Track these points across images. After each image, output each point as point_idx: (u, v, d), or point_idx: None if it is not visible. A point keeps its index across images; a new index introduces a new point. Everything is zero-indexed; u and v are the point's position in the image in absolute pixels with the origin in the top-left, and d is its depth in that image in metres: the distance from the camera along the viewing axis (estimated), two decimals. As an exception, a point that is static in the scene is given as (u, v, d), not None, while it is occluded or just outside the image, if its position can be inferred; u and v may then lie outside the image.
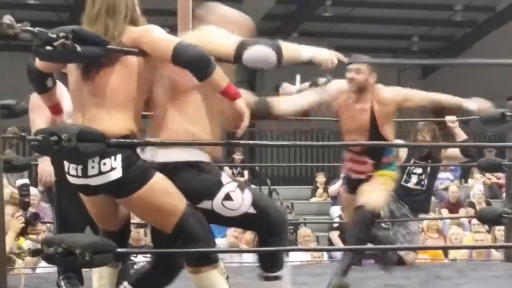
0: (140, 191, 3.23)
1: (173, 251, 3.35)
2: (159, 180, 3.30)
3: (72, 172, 3.25)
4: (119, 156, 3.19)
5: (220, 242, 8.56)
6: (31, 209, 10.20)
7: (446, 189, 12.79)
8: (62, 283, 4.73)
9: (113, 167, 3.17)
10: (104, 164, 3.17)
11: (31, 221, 4.44)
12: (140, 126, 3.36)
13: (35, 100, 4.40)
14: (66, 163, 3.28)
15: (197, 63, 3.19)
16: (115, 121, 3.21)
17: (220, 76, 3.24)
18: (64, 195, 4.59)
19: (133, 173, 3.21)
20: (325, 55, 3.35)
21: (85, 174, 3.20)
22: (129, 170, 3.20)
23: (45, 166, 4.79)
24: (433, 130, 6.59)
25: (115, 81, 3.22)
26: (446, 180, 13.21)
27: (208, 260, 3.36)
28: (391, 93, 4.90)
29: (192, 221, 3.32)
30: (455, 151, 6.50)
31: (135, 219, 7.78)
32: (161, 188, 3.29)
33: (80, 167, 3.20)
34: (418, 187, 6.56)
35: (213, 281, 3.37)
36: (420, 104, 4.87)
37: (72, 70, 3.33)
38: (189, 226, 3.31)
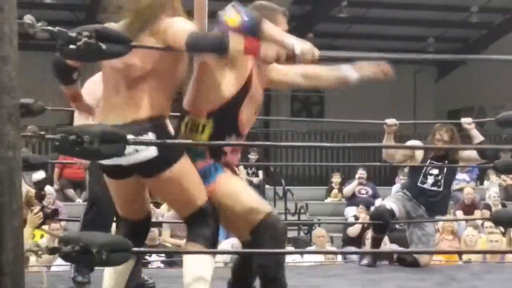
0: (170, 170, 3.35)
1: (196, 252, 3.40)
2: (187, 161, 3.44)
3: None
4: (151, 134, 3.31)
5: (224, 243, 8.55)
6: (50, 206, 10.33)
7: (461, 190, 12.76)
8: (73, 275, 4.85)
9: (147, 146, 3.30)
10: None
11: (51, 217, 4.48)
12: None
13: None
14: None
15: (212, 49, 3.27)
16: (148, 103, 3.34)
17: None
18: (96, 179, 4.65)
19: (165, 152, 3.34)
20: (308, 46, 3.37)
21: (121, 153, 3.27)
22: (161, 148, 3.32)
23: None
24: (451, 130, 6.58)
25: (147, 67, 3.35)
26: (462, 181, 13.18)
27: (211, 245, 3.47)
28: None
29: (210, 209, 3.46)
30: (471, 153, 6.49)
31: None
32: (189, 169, 3.44)
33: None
34: (435, 188, 6.54)
35: (204, 263, 3.44)
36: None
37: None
38: (206, 213, 3.45)
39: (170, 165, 3.35)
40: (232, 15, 3.32)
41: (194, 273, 3.41)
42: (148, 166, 3.34)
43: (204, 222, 3.44)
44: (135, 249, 3.12)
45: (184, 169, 3.41)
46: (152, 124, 3.34)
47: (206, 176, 3.59)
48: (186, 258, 3.49)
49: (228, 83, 3.66)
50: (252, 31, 3.27)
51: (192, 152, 3.55)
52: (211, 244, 3.46)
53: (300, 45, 3.38)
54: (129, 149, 3.21)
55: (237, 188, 3.66)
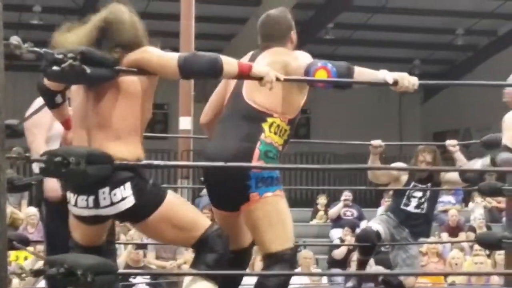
0: (156, 213, 3.25)
1: (182, 273, 3.36)
2: (173, 197, 3.35)
3: (82, 203, 3.24)
4: (128, 185, 3.19)
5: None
6: (31, 229, 10.26)
7: (446, 212, 12.77)
8: None
9: (124, 197, 3.19)
10: (115, 194, 3.18)
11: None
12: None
13: (37, 117, 4.40)
14: (72, 195, 3.28)
15: (207, 69, 3.23)
16: (122, 149, 3.22)
17: (229, 64, 3.28)
18: (54, 214, 4.57)
19: (146, 197, 3.23)
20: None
21: (97, 205, 3.21)
22: (141, 196, 3.21)
23: (51, 182, 4.78)
24: (434, 152, 6.61)
25: (121, 109, 3.24)
26: (447, 203, 13.19)
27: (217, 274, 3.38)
28: None
29: (215, 235, 3.36)
30: (454, 176, 6.49)
31: (135, 239, 7.79)
32: (177, 205, 3.34)
33: (91, 197, 3.20)
34: (418, 211, 6.55)
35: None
36: None
37: (77, 93, 3.34)
38: (211, 238, 3.34)
39: (154, 210, 3.25)
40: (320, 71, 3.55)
41: None
42: (129, 215, 3.25)
43: (208, 248, 3.33)
44: (121, 271, 3.10)
45: (171, 207, 3.30)
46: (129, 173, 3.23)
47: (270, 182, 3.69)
48: (184, 286, 3.39)
49: (303, 94, 3.85)
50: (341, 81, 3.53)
51: (269, 156, 3.65)
52: (213, 269, 3.35)
53: (390, 75, 3.61)
54: (104, 202, 3.18)
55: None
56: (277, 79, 3.40)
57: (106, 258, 3.69)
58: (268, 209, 3.66)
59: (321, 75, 3.55)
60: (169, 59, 3.23)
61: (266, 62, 3.80)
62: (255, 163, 3.66)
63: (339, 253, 10.70)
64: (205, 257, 3.33)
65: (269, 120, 3.74)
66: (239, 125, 3.76)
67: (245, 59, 3.88)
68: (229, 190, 3.73)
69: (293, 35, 4.16)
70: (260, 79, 3.36)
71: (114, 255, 4.33)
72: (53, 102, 3.51)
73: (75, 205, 3.27)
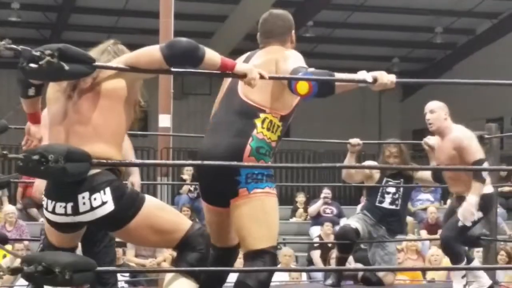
0: (136, 219, 3.22)
1: (162, 270, 3.36)
2: (152, 201, 3.32)
3: (60, 210, 3.20)
4: (108, 189, 3.16)
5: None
6: (9, 227, 10.20)
7: (424, 209, 12.84)
8: None
9: (104, 201, 3.15)
10: (95, 199, 3.14)
11: None
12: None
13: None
14: (49, 202, 3.23)
15: (189, 50, 3.22)
16: (101, 148, 3.19)
17: (211, 53, 3.28)
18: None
19: (125, 203, 3.20)
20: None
21: (76, 212, 3.17)
22: (120, 201, 3.18)
23: (40, 183, 4.71)
24: (399, 146, 6.65)
25: (102, 111, 3.22)
26: (426, 201, 13.25)
27: (196, 274, 3.36)
28: None
29: (197, 234, 3.34)
30: (426, 174, 6.52)
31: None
32: (156, 209, 3.31)
33: (70, 204, 3.16)
34: (393, 207, 6.57)
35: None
36: None
37: (57, 94, 3.32)
38: (193, 238, 3.33)
39: (133, 216, 3.22)
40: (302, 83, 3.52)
41: None
42: (108, 221, 3.21)
43: (190, 247, 3.32)
44: (100, 268, 3.09)
45: (151, 212, 3.27)
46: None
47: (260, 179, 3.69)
48: (165, 283, 3.37)
49: None
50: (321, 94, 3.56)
51: (261, 153, 3.68)
52: (194, 267, 3.33)
53: (369, 74, 3.69)
54: (84, 207, 3.14)
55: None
56: (261, 77, 3.40)
57: (104, 259, 3.71)
58: (255, 206, 3.66)
59: (302, 88, 3.56)
60: (151, 49, 3.25)
61: (260, 61, 3.83)
62: (246, 159, 3.66)
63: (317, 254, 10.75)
64: (187, 256, 3.32)
65: (262, 116, 3.75)
66: (232, 121, 3.78)
67: (240, 60, 3.88)
68: (219, 185, 3.74)
69: (293, 35, 4.15)
70: (244, 76, 3.36)
71: (110, 255, 4.30)
72: (25, 92, 3.45)
73: (53, 212, 3.23)
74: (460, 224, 5.63)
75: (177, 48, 3.21)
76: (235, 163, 3.62)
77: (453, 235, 5.67)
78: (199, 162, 3.62)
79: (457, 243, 5.73)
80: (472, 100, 19.33)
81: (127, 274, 8.56)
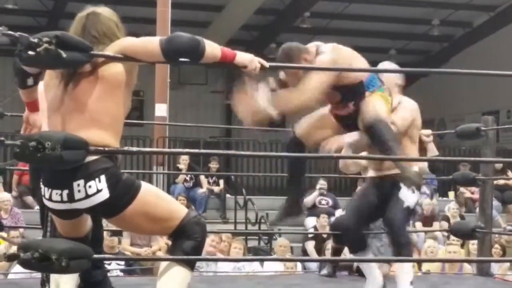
0: (132, 206, 3.21)
1: (150, 258, 3.35)
2: (148, 189, 3.30)
3: (56, 198, 3.20)
4: (103, 177, 3.15)
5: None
6: (4, 214, 10.20)
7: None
8: None
9: (99, 189, 3.14)
10: (90, 187, 3.13)
11: None
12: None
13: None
14: (46, 189, 3.23)
15: (190, 47, 3.19)
16: (99, 135, 3.18)
17: (212, 46, 3.25)
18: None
19: (120, 190, 3.19)
20: (249, 57, 3.35)
21: (71, 199, 3.16)
22: (115, 188, 3.17)
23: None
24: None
25: (100, 98, 3.19)
26: (422, 194, 13.25)
27: (191, 261, 3.35)
28: None
29: (193, 222, 3.32)
30: (422, 164, 6.51)
31: (110, 227, 7.77)
32: (152, 197, 3.30)
33: (65, 192, 3.16)
34: (390, 199, 6.54)
35: (179, 280, 3.32)
36: None
37: (53, 81, 3.31)
38: (189, 226, 3.31)
39: (129, 203, 3.21)
40: None
41: None
42: (103, 208, 3.20)
43: (186, 235, 3.30)
44: (96, 256, 3.09)
45: (147, 199, 3.26)
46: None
47: None
48: (160, 276, 3.35)
49: None
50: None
51: None
52: (189, 255, 3.31)
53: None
54: (79, 194, 3.14)
55: None
56: (262, 67, 3.38)
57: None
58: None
59: None
60: (151, 41, 3.22)
61: None
62: None
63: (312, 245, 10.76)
64: (182, 244, 3.30)
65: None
66: None
67: None
68: None
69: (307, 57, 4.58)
70: (244, 67, 3.34)
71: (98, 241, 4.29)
72: (24, 82, 3.46)
73: (50, 199, 3.24)
74: (405, 205, 5.22)
75: (177, 44, 3.19)
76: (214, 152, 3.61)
77: (402, 218, 5.22)
78: (195, 150, 3.61)
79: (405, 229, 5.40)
80: (468, 93, 19.36)
81: (122, 263, 8.56)
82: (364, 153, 6.74)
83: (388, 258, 6.37)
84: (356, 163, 6.57)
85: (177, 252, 3.31)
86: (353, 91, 4.80)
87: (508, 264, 9.64)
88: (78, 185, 3.13)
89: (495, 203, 11.98)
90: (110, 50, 3.23)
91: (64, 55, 2.95)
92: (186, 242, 3.30)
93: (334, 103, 4.86)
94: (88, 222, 3.53)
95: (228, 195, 13.66)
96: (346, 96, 4.79)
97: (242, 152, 3.55)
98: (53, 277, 3.61)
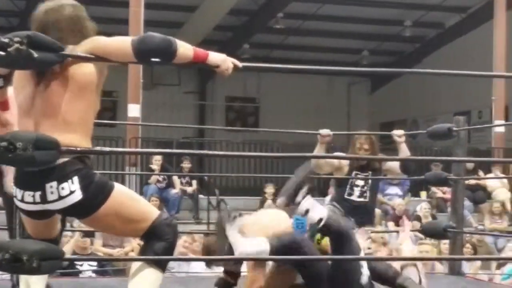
0: (104, 207, 3.20)
1: (122, 259, 3.34)
2: (120, 190, 3.29)
3: (28, 199, 3.18)
4: (75, 178, 3.13)
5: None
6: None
7: (391, 201, 12.93)
8: None
9: (72, 190, 3.13)
10: (63, 188, 3.12)
11: None
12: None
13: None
14: (18, 191, 3.22)
15: (162, 47, 3.16)
16: (70, 137, 3.15)
17: (184, 46, 3.22)
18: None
19: (93, 191, 3.17)
20: (221, 57, 3.34)
21: (44, 200, 3.14)
22: (88, 190, 3.16)
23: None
24: (370, 138, 6.64)
25: (71, 99, 3.17)
26: (394, 196, 13.31)
27: (162, 263, 3.34)
28: None
29: (164, 224, 3.31)
30: (394, 165, 6.55)
31: (82, 227, 7.73)
32: (124, 198, 3.29)
33: (38, 193, 3.14)
34: (361, 199, 6.57)
35: (151, 281, 3.31)
36: None
37: (23, 82, 3.28)
38: (160, 227, 3.30)
39: (102, 204, 3.20)
40: None
41: None
42: (76, 209, 3.19)
43: (157, 237, 3.29)
44: (68, 256, 3.08)
45: (119, 200, 3.25)
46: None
47: None
48: (132, 277, 3.33)
49: None
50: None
51: None
52: (165, 265, 3.32)
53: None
54: (52, 196, 3.12)
55: None
56: (234, 67, 3.37)
57: None
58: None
59: None
60: (123, 41, 3.19)
61: None
62: None
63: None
64: (154, 246, 3.29)
65: None
66: None
67: None
68: None
69: None
70: (216, 67, 3.33)
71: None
72: None
73: (22, 200, 3.22)
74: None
75: (149, 44, 3.16)
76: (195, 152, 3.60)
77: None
78: (168, 150, 3.61)
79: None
80: (441, 94, 19.48)
81: (95, 263, 8.53)
82: (339, 154, 6.76)
83: (359, 257, 6.39)
84: (329, 163, 6.59)
85: (149, 253, 3.30)
86: None
87: (479, 263, 9.73)
88: (51, 186, 3.11)
89: (467, 203, 12.07)
90: (81, 49, 3.20)
91: (35, 55, 2.92)
92: (158, 244, 3.29)
93: None
94: (58, 224, 3.51)
95: (201, 196, 13.64)
96: None
97: (215, 152, 3.55)
98: (23, 277, 3.59)
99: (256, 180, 16.05)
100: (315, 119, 16.79)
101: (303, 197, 4.32)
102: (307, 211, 4.44)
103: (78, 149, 3.14)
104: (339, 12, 18.52)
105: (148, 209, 3.38)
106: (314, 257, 4.46)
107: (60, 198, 3.13)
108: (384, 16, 18.96)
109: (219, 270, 4.83)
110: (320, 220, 4.46)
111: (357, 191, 6.55)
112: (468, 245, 9.56)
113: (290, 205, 4.37)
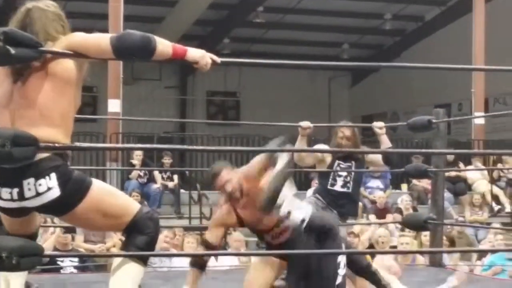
0: (83, 203, 3.19)
1: (105, 255, 3.33)
2: (99, 185, 3.28)
3: (6, 196, 3.16)
4: (53, 175, 3.12)
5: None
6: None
7: (372, 193, 12.97)
8: None
9: (50, 187, 3.11)
10: (40, 185, 3.10)
11: None
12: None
13: None
14: None
15: (141, 45, 3.16)
16: (49, 132, 3.14)
17: (163, 44, 3.22)
18: None
19: (71, 188, 3.16)
20: (200, 53, 3.35)
21: (21, 197, 3.12)
22: (66, 186, 3.14)
23: None
24: (351, 127, 6.64)
25: (50, 95, 3.16)
26: (376, 189, 13.35)
27: (144, 256, 3.34)
28: (247, 168, 4.91)
29: (145, 218, 3.31)
30: (376, 157, 6.55)
31: (63, 223, 7.70)
32: (104, 193, 3.28)
33: (16, 190, 3.12)
34: (345, 190, 6.55)
35: (132, 276, 3.32)
36: None
37: (1, 75, 3.27)
38: (142, 221, 3.30)
39: (80, 200, 3.19)
40: None
41: None
42: (54, 206, 3.17)
43: (139, 231, 3.29)
44: (48, 253, 3.07)
45: (98, 195, 3.24)
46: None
47: None
48: (113, 272, 3.32)
49: None
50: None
51: None
52: (143, 251, 3.30)
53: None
54: (29, 192, 3.10)
55: None
56: (213, 63, 3.37)
57: None
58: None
59: None
60: (102, 38, 3.19)
61: None
62: None
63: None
64: (136, 240, 3.29)
65: None
66: None
67: None
68: None
69: None
70: (195, 63, 3.33)
71: None
72: None
73: (0, 197, 3.21)
74: None
75: (128, 42, 3.16)
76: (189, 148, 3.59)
77: None
78: (149, 145, 3.60)
79: None
80: (421, 86, 19.55)
81: (76, 259, 8.50)
82: (320, 146, 6.75)
83: (340, 251, 6.42)
84: (312, 156, 6.59)
85: (131, 247, 3.30)
86: None
87: (458, 254, 9.79)
88: (28, 183, 3.10)
89: (447, 194, 12.12)
90: (60, 46, 3.19)
91: (12, 51, 2.91)
92: (139, 237, 3.29)
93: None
94: (37, 219, 3.50)
95: (182, 190, 13.63)
96: None
97: (196, 147, 3.54)
98: (2, 274, 3.58)
99: (238, 174, 16.03)
100: (296, 113, 16.76)
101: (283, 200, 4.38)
102: (289, 213, 4.48)
103: (57, 145, 3.13)
104: (319, 5, 18.54)
105: (129, 204, 3.37)
106: (295, 251, 4.48)
107: (38, 194, 3.11)
108: (364, 9, 19.00)
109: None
110: (303, 220, 4.50)
111: (340, 181, 6.53)
112: (444, 237, 9.61)
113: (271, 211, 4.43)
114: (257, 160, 4.74)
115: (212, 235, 4.67)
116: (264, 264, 4.91)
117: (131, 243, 3.31)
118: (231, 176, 4.63)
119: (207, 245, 4.69)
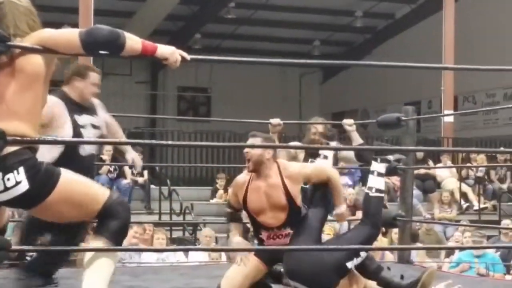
0: (53, 195, 3.18)
1: (69, 249, 3.32)
2: (67, 176, 3.27)
3: None
4: (21, 169, 3.10)
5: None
6: None
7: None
8: None
9: (18, 181, 3.10)
10: (8, 179, 3.09)
11: None
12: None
13: None
14: None
15: (110, 40, 3.16)
16: (17, 126, 3.12)
17: (132, 40, 3.23)
18: None
19: (40, 181, 3.15)
20: (170, 50, 3.34)
21: None
22: (35, 179, 3.13)
23: None
24: (324, 124, 6.67)
25: (18, 89, 3.14)
26: (345, 185, 13.38)
27: (117, 241, 3.33)
28: (299, 169, 5.00)
29: (116, 203, 3.33)
30: (349, 154, 6.57)
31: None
32: (73, 183, 3.28)
33: None
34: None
35: (104, 267, 3.32)
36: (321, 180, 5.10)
37: None
38: (113, 207, 3.31)
39: (49, 193, 3.18)
40: None
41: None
42: (23, 200, 3.16)
43: (110, 216, 3.30)
44: (15, 247, 3.05)
45: (67, 186, 3.24)
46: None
47: None
48: (87, 265, 3.31)
49: None
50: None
51: None
52: (116, 235, 3.31)
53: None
54: None
55: None
56: (183, 59, 3.36)
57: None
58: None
59: None
60: (71, 33, 3.18)
61: None
62: None
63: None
64: (108, 225, 3.30)
65: None
66: None
67: None
68: None
69: None
70: (165, 59, 3.33)
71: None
72: None
73: None
74: None
75: (97, 37, 3.15)
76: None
77: None
78: (116, 141, 3.59)
79: None
80: (391, 84, 19.64)
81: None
82: (293, 143, 6.75)
83: (312, 247, 6.45)
84: (285, 153, 6.60)
85: (103, 232, 3.30)
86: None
87: (424, 251, 9.84)
88: None
89: (416, 192, 12.19)
90: (29, 41, 3.18)
91: (-22, 46, 2.89)
92: (112, 222, 3.30)
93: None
94: (5, 214, 3.48)
95: (152, 186, 13.59)
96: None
97: (166, 142, 3.54)
98: None
99: (208, 170, 16.03)
100: (266, 109, 16.78)
101: None
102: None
103: (25, 138, 3.12)
104: (290, 2, 18.56)
105: (98, 191, 3.37)
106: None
107: (6, 189, 3.09)
108: (335, 6, 19.05)
109: (170, 261, 4.85)
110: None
111: None
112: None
113: None
114: (321, 169, 5.07)
115: (231, 199, 5.13)
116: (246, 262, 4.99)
117: (103, 228, 3.31)
118: (259, 151, 4.81)
119: (230, 206, 5.14)
